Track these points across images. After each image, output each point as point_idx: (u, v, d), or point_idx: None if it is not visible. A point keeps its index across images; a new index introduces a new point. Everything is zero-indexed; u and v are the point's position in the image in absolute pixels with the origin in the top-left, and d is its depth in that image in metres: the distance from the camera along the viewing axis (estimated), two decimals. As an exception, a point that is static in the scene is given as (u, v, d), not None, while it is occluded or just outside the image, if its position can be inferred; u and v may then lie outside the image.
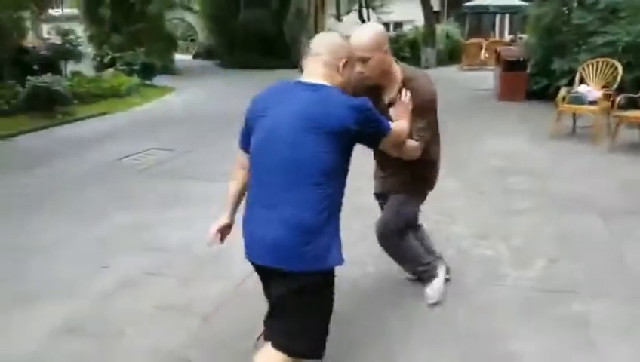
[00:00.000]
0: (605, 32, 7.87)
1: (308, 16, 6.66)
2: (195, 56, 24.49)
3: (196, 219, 4.17)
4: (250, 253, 1.83)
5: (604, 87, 6.58)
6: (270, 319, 1.91)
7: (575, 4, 9.01)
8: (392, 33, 20.46)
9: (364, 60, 2.22)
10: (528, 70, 9.69)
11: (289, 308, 1.81)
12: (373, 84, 2.39)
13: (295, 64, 17.85)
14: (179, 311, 2.83)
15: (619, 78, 6.48)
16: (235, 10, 18.65)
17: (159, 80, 13.80)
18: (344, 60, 1.89)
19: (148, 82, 13.10)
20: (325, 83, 1.85)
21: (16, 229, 4.08)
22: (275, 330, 1.86)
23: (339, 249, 1.81)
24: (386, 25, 21.85)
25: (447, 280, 2.95)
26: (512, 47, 11.25)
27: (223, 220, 2.11)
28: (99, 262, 3.45)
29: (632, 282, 3.02)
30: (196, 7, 22.40)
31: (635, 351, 2.40)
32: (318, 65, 1.87)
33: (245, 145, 1.95)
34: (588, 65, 6.89)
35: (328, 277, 1.84)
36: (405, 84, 2.35)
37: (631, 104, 6.39)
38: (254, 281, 3.12)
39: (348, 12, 20.34)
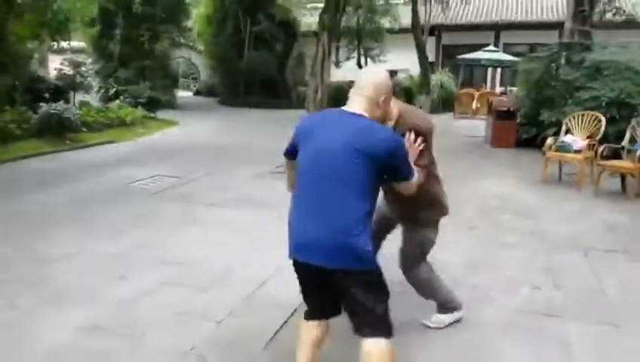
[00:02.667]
0: (591, 88, 8.44)
1: (315, 62, 7.17)
2: (196, 94, 25.13)
3: (206, 239, 4.48)
4: None
5: (588, 137, 7.03)
6: None
7: (563, 62, 9.64)
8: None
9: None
10: (518, 120, 10.22)
11: None
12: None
13: (295, 105, 18.53)
14: (195, 317, 3.06)
15: (602, 130, 6.94)
16: (240, 51, 19.36)
17: (162, 114, 14.25)
18: (384, 96, 2.19)
19: (152, 115, 13.53)
20: (365, 115, 2.13)
21: (35, 241, 4.32)
22: None
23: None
24: (383, 73, 22.70)
25: (457, 321, 3.05)
26: (503, 98, 11.84)
27: None
28: (116, 273, 3.69)
29: (609, 308, 3.31)
30: (200, 47, 23.18)
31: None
32: (362, 98, 2.17)
33: (289, 154, 2.30)
34: (574, 117, 7.37)
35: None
36: (400, 118, 2.47)
37: (614, 154, 6.82)
38: (263, 291, 3.43)
39: (347, 59, 21.13)
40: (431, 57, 20.29)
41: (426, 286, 2.96)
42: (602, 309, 3.30)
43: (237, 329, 2.96)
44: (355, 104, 2.17)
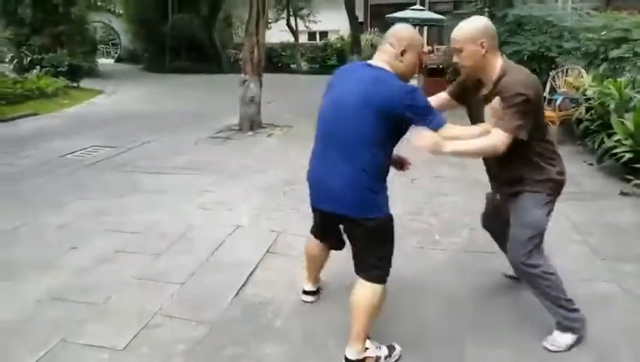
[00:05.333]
0: (513, 42, 8.90)
1: (249, 20, 6.91)
2: (118, 61, 23.86)
3: (154, 206, 4.43)
4: None
5: (512, 90, 7.47)
6: None
7: (487, 17, 10.05)
8: (320, 42, 21.19)
9: (457, 51, 2.32)
10: (447, 76, 10.63)
11: None
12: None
13: (226, 69, 18.07)
14: (156, 280, 3.09)
15: (525, 82, 7.39)
16: (164, 14, 18.49)
17: (85, 83, 13.53)
18: (402, 49, 2.21)
19: (75, 84, 12.79)
20: (386, 67, 2.20)
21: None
22: None
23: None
24: (313, 34, 22.58)
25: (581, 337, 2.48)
26: (432, 56, 12.21)
27: None
28: (66, 244, 3.60)
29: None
30: (119, 10, 21.84)
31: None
32: (382, 52, 2.25)
33: None
34: (499, 71, 7.79)
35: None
36: (499, 79, 2.27)
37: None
38: (222, 252, 3.49)
39: (277, 20, 20.74)
40: (360, 17, 20.40)
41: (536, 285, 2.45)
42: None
43: (201, 288, 3.02)
44: (377, 58, 2.25)
